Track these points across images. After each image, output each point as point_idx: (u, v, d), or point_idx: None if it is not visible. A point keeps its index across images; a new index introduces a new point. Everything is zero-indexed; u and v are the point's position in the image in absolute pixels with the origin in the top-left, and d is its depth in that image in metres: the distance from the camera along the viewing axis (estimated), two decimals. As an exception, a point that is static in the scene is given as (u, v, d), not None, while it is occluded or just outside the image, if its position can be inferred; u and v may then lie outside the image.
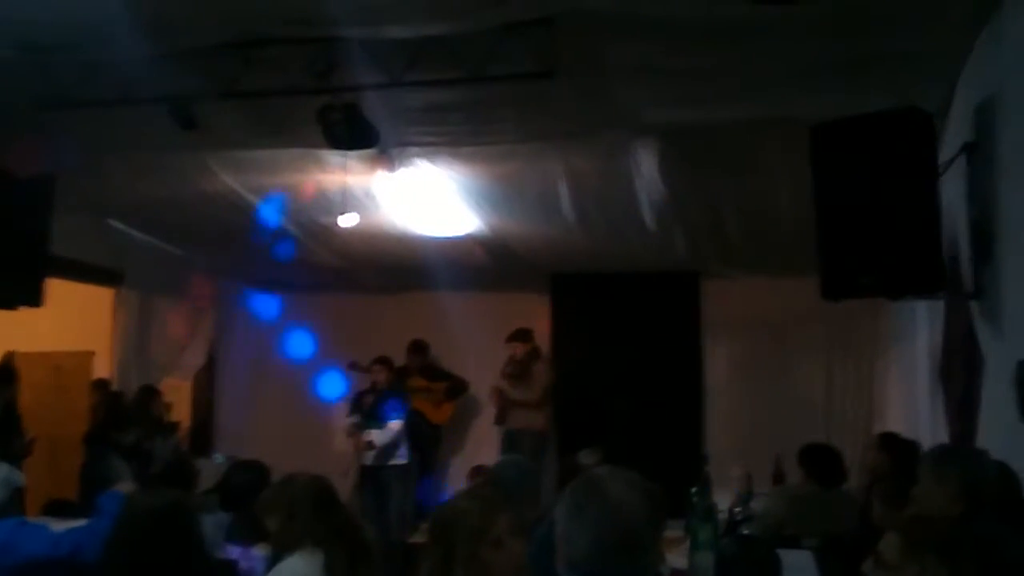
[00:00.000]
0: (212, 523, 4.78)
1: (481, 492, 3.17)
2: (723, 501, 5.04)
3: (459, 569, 2.92)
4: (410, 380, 9.87)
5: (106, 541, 3.07)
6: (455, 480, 10.14)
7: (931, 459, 3.64)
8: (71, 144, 6.06)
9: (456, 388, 10.18)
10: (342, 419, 9.63)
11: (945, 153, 4.82)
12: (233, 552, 4.47)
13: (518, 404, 9.52)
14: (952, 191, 4.72)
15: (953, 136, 5.03)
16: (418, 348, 10.11)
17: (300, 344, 10.62)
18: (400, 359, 9.92)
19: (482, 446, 9.99)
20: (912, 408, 7.32)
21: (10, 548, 3.55)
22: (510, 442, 9.35)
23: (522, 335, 9.65)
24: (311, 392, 10.48)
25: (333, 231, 8.09)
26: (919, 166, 4.37)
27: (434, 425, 10.06)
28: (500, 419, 9.71)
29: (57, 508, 6.61)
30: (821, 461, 5.91)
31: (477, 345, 9.90)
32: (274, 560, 3.77)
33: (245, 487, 4.91)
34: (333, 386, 10.19)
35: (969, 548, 2.34)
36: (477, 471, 8.42)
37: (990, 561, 2.30)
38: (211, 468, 7.06)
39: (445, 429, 10.32)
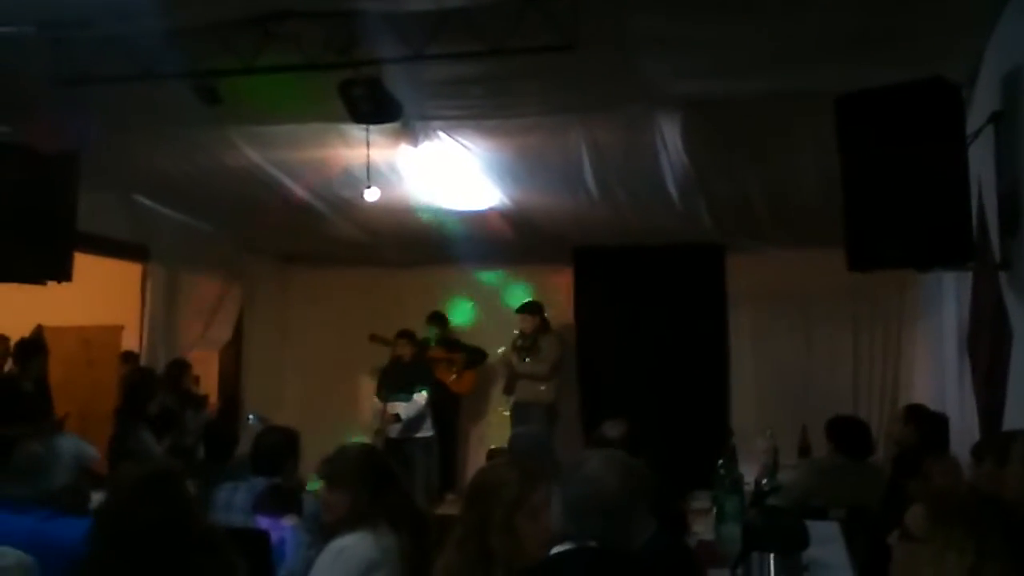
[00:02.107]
0: (244, 491, 4.84)
1: (522, 463, 3.21)
2: (749, 473, 5.05)
3: (494, 535, 2.97)
4: (430, 352, 9.90)
5: (93, 511, 3.09)
6: (475, 451, 10.22)
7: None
8: (93, 120, 6.08)
9: (474, 358, 10.21)
10: (367, 391, 9.69)
11: (973, 123, 4.76)
12: (263, 523, 4.51)
13: (526, 377, 9.57)
14: (980, 161, 4.67)
15: (981, 106, 4.97)
16: (437, 319, 10.14)
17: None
18: (423, 333, 9.96)
19: (499, 418, 10.02)
20: (939, 380, 7.29)
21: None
22: (519, 414, 9.42)
23: (532, 307, 9.69)
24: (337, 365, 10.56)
25: (357, 205, 8.10)
26: (946, 136, 4.33)
27: (453, 396, 10.10)
28: (509, 389, 9.79)
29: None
30: (849, 433, 5.91)
31: (500, 318, 9.93)
32: (327, 537, 3.75)
33: (274, 450, 4.97)
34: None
35: (997, 521, 2.32)
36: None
37: (1020, 532, 2.29)
38: (247, 431, 7.13)
39: (464, 400, 10.37)
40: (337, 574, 3.52)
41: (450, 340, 10.22)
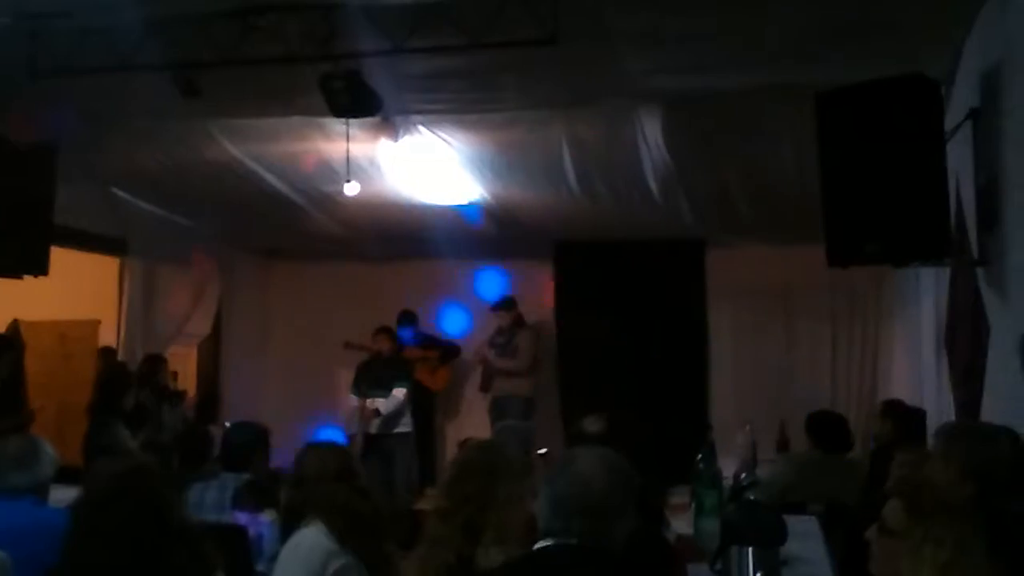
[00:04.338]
0: (215, 489, 4.85)
1: (508, 451, 3.30)
2: (728, 468, 5.05)
3: (478, 512, 3.10)
4: (405, 351, 9.86)
5: (71, 506, 3.09)
6: (452, 447, 10.20)
7: (942, 436, 3.54)
8: (71, 112, 6.04)
9: (448, 353, 10.22)
10: (346, 388, 9.65)
11: (951, 119, 4.79)
12: (241, 518, 4.52)
13: (504, 373, 9.63)
14: (958, 157, 4.69)
15: (959, 102, 5.00)
16: (408, 318, 10.12)
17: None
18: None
19: (474, 413, 10.03)
20: (917, 375, 7.33)
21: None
22: (498, 409, 9.46)
23: (508, 304, 9.72)
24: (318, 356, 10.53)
25: (336, 199, 8.08)
26: (925, 133, 4.34)
27: (429, 393, 10.09)
28: (485, 387, 9.84)
29: (64, 475, 6.65)
30: (828, 428, 5.93)
31: (480, 313, 9.92)
32: (287, 529, 3.79)
33: (242, 446, 5.01)
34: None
35: (975, 514, 2.33)
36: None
37: (996, 526, 2.30)
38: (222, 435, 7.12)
39: (439, 397, 10.38)
40: (297, 565, 3.58)
41: (423, 336, 10.20)
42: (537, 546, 2.54)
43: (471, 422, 9.97)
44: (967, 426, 3.59)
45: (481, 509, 3.09)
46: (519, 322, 9.78)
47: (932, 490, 2.50)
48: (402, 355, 9.64)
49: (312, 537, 3.60)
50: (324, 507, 3.67)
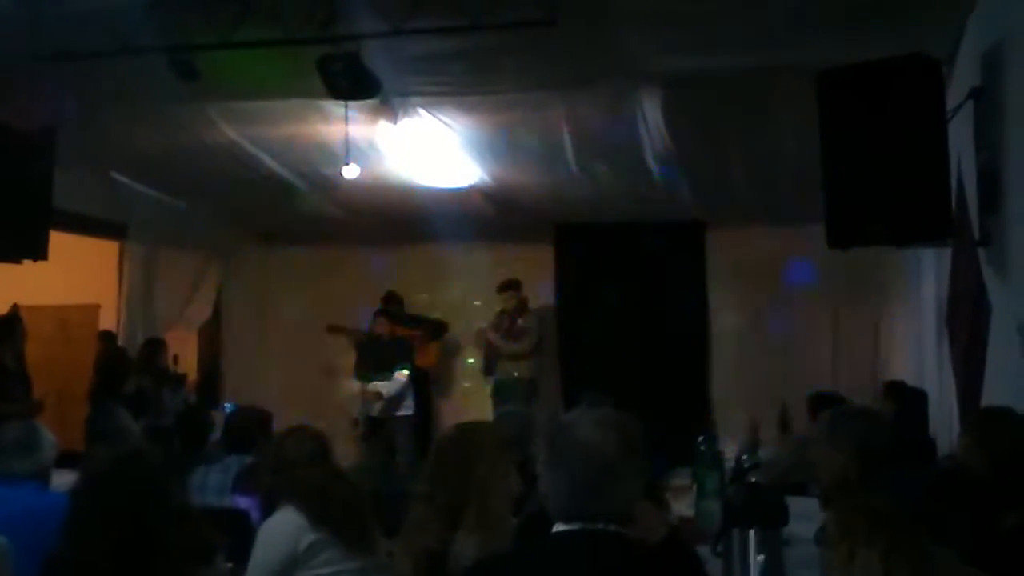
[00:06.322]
0: (217, 472, 4.86)
1: (494, 426, 3.31)
2: (729, 449, 5.05)
3: (465, 490, 3.09)
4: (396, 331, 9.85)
5: (70, 492, 3.10)
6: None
7: (825, 423, 3.64)
8: (69, 96, 6.01)
9: (436, 329, 10.25)
10: (349, 370, 9.65)
11: (953, 99, 4.77)
12: (242, 502, 4.53)
13: (508, 357, 9.64)
14: (960, 137, 4.68)
15: (961, 81, 4.98)
16: (393, 300, 10.11)
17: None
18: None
19: (472, 394, 10.04)
20: (919, 356, 7.33)
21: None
22: (500, 392, 9.46)
23: (515, 285, 9.71)
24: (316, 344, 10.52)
25: (336, 182, 8.05)
26: (926, 112, 4.33)
27: (423, 372, 10.09)
28: (489, 369, 9.85)
29: (66, 460, 6.65)
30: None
31: (480, 296, 9.92)
32: (266, 512, 3.82)
33: (244, 429, 5.05)
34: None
35: (901, 524, 2.30)
36: None
37: (923, 536, 2.28)
38: (223, 419, 7.12)
39: (432, 373, 10.39)
40: (270, 545, 3.61)
41: (409, 317, 10.20)
42: (556, 529, 2.36)
43: (470, 403, 9.98)
44: (848, 411, 3.72)
45: (460, 492, 3.09)
46: (523, 305, 9.78)
47: (858, 502, 2.46)
48: (402, 338, 9.61)
49: (284, 516, 3.64)
50: (300, 492, 3.69)
